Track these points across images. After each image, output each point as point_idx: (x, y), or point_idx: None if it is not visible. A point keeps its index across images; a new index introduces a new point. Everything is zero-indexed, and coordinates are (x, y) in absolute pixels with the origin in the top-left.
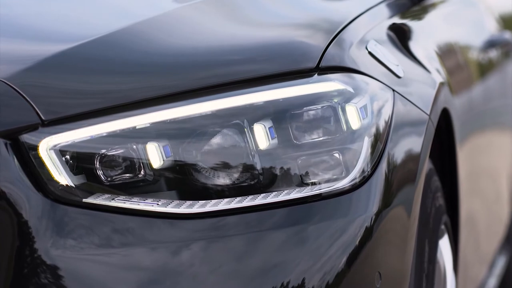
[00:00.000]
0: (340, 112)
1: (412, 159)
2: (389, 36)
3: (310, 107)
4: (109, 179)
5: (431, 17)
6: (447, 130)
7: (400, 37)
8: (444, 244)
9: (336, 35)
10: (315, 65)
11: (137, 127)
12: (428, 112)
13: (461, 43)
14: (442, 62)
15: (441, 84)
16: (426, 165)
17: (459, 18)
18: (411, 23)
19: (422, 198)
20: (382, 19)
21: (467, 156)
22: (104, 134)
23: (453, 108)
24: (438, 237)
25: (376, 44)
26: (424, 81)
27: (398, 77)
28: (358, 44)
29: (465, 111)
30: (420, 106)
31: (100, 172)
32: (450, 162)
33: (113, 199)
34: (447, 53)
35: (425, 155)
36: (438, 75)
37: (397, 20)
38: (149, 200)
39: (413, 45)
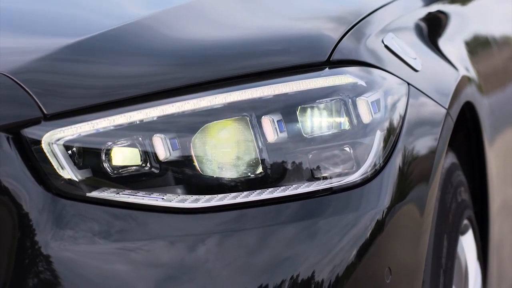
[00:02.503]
0: (351, 106)
1: (427, 153)
2: (415, 28)
3: (320, 100)
4: (115, 172)
5: (469, 9)
6: (474, 124)
7: (428, 29)
8: (468, 239)
9: (351, 28)
10: (326, 58)
11: (144, 120)
12: (446, 106)
13: (503, 39)
14: (472, 58)
15: (464, 78)
16: (447, 160)
17: (502, 12)
18: (444, 15)
19: (441, 193)
20: (412, 9)
21: (502, 151)
22: (111, 128)
23: (481, 105)
24: (459, 232)
25: (394, 37)
26: (444, 74)
27: (415, 70)
28: (374, 37)
29: (498, 108)
30: (438, 100)
31: (106, 165)
32: (478, 156)
33: (118, 193)
34: (480, 49)
35: (442, 149)
36: (463, 70)
37: (429, 10)
38: (154, 195)
39: (440, 38)
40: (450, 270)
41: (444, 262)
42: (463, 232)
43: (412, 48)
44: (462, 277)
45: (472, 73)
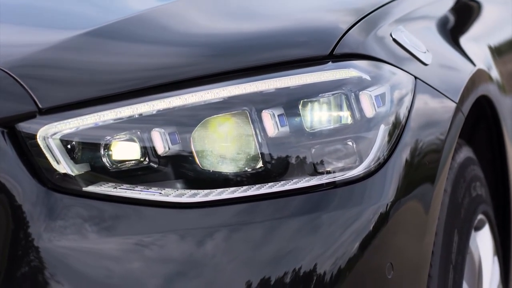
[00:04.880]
0: (353, 100)
1: (434, 148)
2: (436, 19)
3: (323, 94)
4: (114, 166)
5: (503, 4)
6: (495, 121)
7: (451, 21)
8: (484, 235)
9: (360, 19)
10: (329, 51)
11: (143, 114)
12: (456, 100)
13: None
14: (496, 57)
15: (480, 72)
16: (461, 154)
17: None
18: (475, 6)
19: (452, 188)
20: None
21: None
22: (109, 122)
23: (501, 103)
24: (471, 227)
25: (403, 30)
26: (457, 69)
27: (424, 64)
28: (383, 29)
29: None
30: (447, 94)
31: (105, 159)
32: (500, 152)
33: (115, 187)
34: (507, 48)
35: (451, 143)
36: (482, 65)
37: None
38: (152, 189)
39: (463, 31)
40: (460, 265)
41: (454, 258)
42: (479, 228)
43: (425, 40)
44: (475, 273)
45: (495, 72)
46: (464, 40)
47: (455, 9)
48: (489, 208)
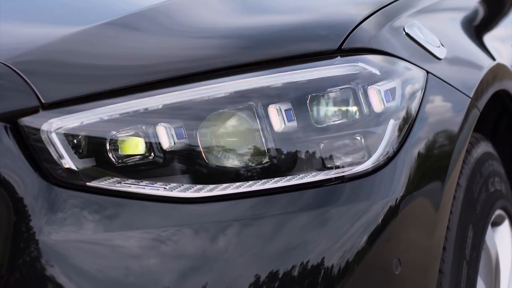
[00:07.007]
0: (362, 95)
1: (446, 143)
2: (460, 12)
3: (331, 89)
4: (119, 161)
5: None
6: None
7: (477, 14)
8: (503, 230)
9: (373, 13)
10: (338, 46)
11: (149, 109)
12: (471, 95)
13: None
14: None
15: (499, 66)
16: (479, 149)
17: None
18: (507, 2)
19: (468, 183)
20: None
21: None
22: (115, 116)
23: None
24: (487, 222)
25: (417, 24)
26: (474, 63)
27: (438, 58)
28: (397, 24)
29: None
30: (461, 89)
31: (110, 154)
32: None
33: (119, 182)
34: None
35: (464, 138)
36: (503, 61)
37: None
38: (157, 184)
39: (487, 25)
40: (475, 261)
41: (469, 253)
42: (498, 223)
43: (442, 34)
44: (492, 269)
45: None
46: (486, 35)
47: (484, 3)
48: (509, 203)
